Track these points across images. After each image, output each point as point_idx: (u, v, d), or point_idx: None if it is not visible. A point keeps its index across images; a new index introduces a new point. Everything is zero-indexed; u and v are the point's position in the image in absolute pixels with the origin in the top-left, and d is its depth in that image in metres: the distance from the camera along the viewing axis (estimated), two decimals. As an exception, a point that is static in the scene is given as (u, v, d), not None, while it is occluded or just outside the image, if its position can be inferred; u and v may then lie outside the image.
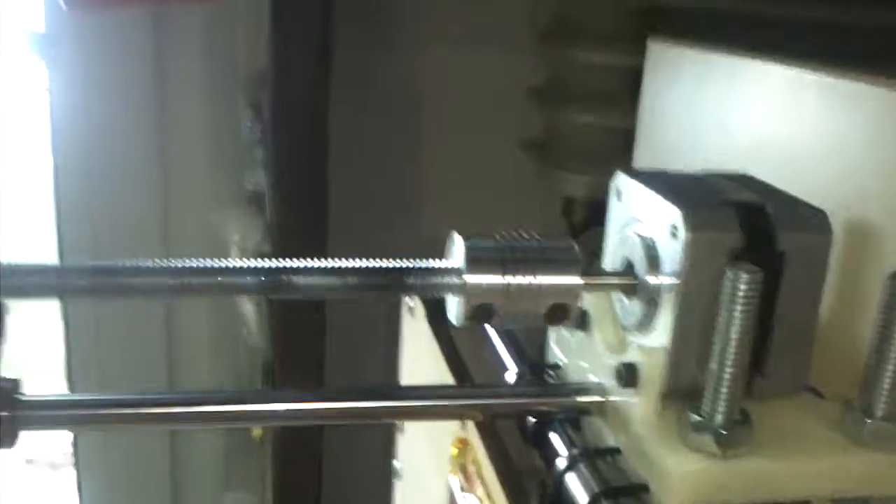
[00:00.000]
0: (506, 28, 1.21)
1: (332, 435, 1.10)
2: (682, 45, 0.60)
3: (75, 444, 1.44)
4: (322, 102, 0.95)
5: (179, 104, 1.24)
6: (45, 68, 1.12)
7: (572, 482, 0.39)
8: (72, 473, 2.09)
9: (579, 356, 0.44)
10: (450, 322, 0.39)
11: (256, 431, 1.20)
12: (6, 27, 1.06)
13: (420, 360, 0.57)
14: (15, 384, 0.33)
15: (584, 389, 0.41)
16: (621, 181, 0.42)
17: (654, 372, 0.37)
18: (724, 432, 0.35)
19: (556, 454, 0.40)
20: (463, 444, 0.45)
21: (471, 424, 0.45)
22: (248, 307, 1.12)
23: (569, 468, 0.39)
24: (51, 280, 0.32)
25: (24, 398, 0.33)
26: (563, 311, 0.38)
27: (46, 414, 0.33)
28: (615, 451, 0.39)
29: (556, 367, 0.46)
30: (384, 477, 0.68)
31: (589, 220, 1.13)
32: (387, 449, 0.69)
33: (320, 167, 0.97)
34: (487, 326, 0.54)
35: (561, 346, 0.46)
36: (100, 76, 1.20)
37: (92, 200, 1.24)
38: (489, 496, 0.42)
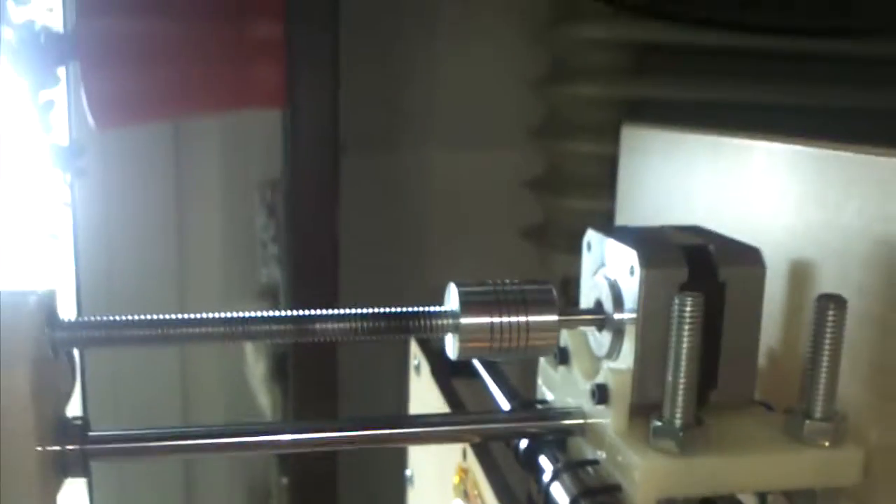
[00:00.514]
0: (502, 127, 1.31)
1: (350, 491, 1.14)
2: (652, 127, 0.69)
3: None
4: (332, 203, 1.04)
5: (197, 208, 1.33)
6: (68, 180, 1.20)
7: (556, 490, 0.45)
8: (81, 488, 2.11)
9: (562, 389, 0.51)
10: (449, 361, 0.46)
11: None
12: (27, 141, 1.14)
13: (426, 410, 0.64)
14: (86, 422, 0.40)
15: (568, 413, 0.48)
16: (591, 235, 0.49)
17: (622, 389, 0.44)
18: (682, 433, 0.41)
19: (544, 468, 0.47)
20: (464, 472, 0.51)
21: (471, 455, 0.52)
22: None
23: (553, 479, 0.45)
24: (115, 332, 0.39)
25: (93, 434, 0.39)
26: (545, 347, 0.45)
27: (113, 447, 0.40)
28: (594, 462, 0.45)
29: (543, 401, 0.53)
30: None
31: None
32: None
33: (331, 264, 1.05)
34: (483, 373, 0.61)
35: (547, 383, 0.53)
36: (121, 182, 1.29)
37: (112, 298, 1.32)
38: (487, 510, 0.48)
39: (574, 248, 1.22)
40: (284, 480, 1.08)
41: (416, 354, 0.65)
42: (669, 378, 0.42)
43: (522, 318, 0.44)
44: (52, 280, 1.42)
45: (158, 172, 1.31)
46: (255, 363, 1.18)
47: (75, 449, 0.38)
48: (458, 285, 0.45)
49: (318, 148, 1.02)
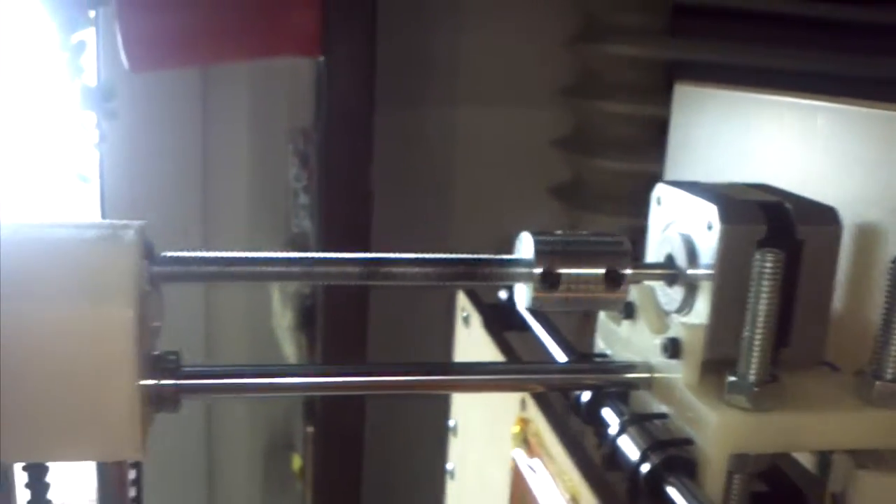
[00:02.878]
0: (531, 85, 1.30)
1: (378, 443, 1.15)
2: (706, 85, 0.68)
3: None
4: (367, 153, 1.03)
5: (223, 155, 1.33)
6: (97, 121, 1.19)
7: (625, 442, 0.45)
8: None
9: (624, 344, 0.51)
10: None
11: (296, 465, 1.26)
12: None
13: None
14: (178, 356, 0.40)
15: (632, 367, 0.48)
16: (661, 190, 0.49)
17: (695, 344, 0.44)
18: (757, 389, 0.42)
19: (609, 421, 0.47)
20: (524, 422, 0.52)
21: (531, 406, 0.52)
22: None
23: (622, 431, 0.46)
24: (213, 268, 0.39)
25: (186, 369, 0.40)
26: (615, 298, 0.45)
27: (206, 383, 0.40)
28: (661, 416, 0.46)
29: (602, 355, 0.53)
30: (434, 478, 0.75)
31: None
32: (436, 454, 0.75)
33: (365, 214, 1.05)
34: (537, 326, 0.61)
35: (607, 337, 0.53)
36: (147, 127, 1.29)
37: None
38: (552, 459, 0.48)
39: (604, 208, 1.22)
40: (310, 429, 1.09)
41: (464, 306, 0.65)
42: (746, 334, 0.42)
43: (596, 270, 0.44)
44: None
45: (185, 117, 1.31)
46: (281, 312, 1.18)
47: (169, 384, 0.39)
48: (532, 234, 0.45)
49: (354, 97, 1.01)
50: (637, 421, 0.46)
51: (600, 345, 0.54)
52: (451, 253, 0.43)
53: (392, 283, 0.43)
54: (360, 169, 1.02)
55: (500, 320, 0.62)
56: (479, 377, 0.48)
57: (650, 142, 1.20)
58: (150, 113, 1.28)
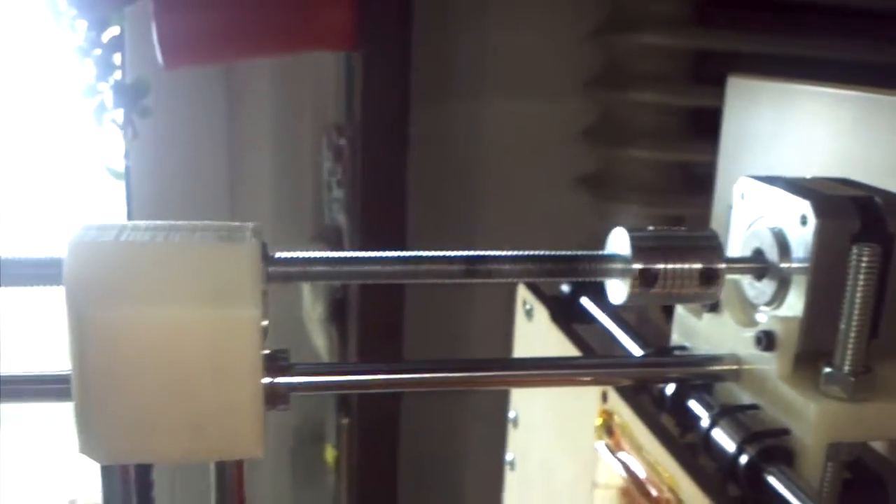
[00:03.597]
0: (556, 76, 1.30)
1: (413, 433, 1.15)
2: (761, 78, 0.69)
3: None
4: (403, 147, 1.04)
5: (249, 149, 1.33)
6: (127, 117, 1.19)
7: (719, 434, 0.46)
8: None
9: (706, 337, 0.51)
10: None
11: (330, 456, 1.26)
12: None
13: (539, 354, 0.65)
14: (287, 354, 0.40)
15: (718, 359, 0.49)
16: (746, 185, 0.50)
17: (790, 337, 0.45)
18: (853, 380, 0.42)
19: (698, 414, 0.48)
20: (607, 414, 0.53)
21: (613, 397, 0.53)
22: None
23: (714, 423, 0.47)
24: (327, 267, 0.39)
25: (298, 366, 0.40)
26: (710, 293, 0.45)
27: (316, 380, 0.41)
28: (753, 408, 0.47)
29: (681, 347, 0.54)
30: (492, 474, 0.75)
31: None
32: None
33: (400, 209, 1.05)
34: (607, 320, 0.62)
35: (685, 330, 0.54)
36: (174, 122, 1.29)
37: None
38: (643, 450, 0.49)
39: (633, 198, 1.23)
40: (345, 420, 1.10)
41: (526, 299, 0.66)
42: (842, 326, 0.43)
43: (691, 266, 0.45)
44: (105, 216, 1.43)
45: (211, 112, 1.31)
46: (312, 304, 1.19)
47: (282, 382, 0.39)
48: (628, 230, 0.45)
49: (390, 91, 1.02)
50: (729, 412, 0.47)
51: (676, 338, 0.54)
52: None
53: (492, 280, 0.43)
54: (396, 163, 1.03)
55: (566, 313, 0.63)
56: (564, 371, 0.48)
57: (679, 131, 1.21)
58: (176, 109, 1.28)
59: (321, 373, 0.41)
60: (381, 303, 1.05)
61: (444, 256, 0.43)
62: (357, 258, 0.40)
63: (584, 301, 0.64)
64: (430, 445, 1.29)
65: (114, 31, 1.10)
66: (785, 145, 0.67)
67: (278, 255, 0.39)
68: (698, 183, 1.21)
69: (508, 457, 0.72)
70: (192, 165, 1.31)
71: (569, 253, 0.45)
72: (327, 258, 0.40)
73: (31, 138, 1.50)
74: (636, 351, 0.57)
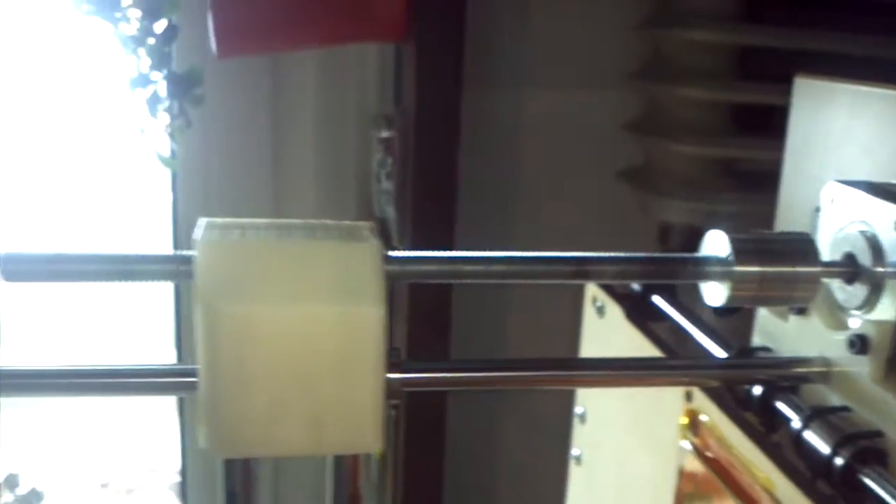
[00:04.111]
0: (600, 68, 1.30)
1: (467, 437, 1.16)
2: (831, 79, 0.69)
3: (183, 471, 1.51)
4: (454, 139, 1.04)
5: (293, 139, 1.33)
6: (182, 106, 1.19)
7: (811, 435, 0.47)
8: (145, 498, 2.15)
9: (792, 340, 0.52)
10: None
11: (376, 451, 1.27)
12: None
13: (610, 353, 0.65)
14: (399, 350, 0.41)
15: (807, 361, 0.49)
16: (835, 189, 0.50)
17: (884, 341, 0.45)
18: (949, 384, 0.43)
19: (788, 415, 0.49)
20: (693, 413, 0.53)
21: (699, 397, 0.53)
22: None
23: (806, 425, 0.47)
24: (444, 267, 0.40)
25: (410, 363, 0.41)
26: (806, 296, 0.46)
27: (426, 377, 0.41)
28: (844, 409, 0.47)
29: (764, 349, 0.54)
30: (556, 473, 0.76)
31: (685, 244, 1.21)
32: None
33: (450, 200, 1.06)
34: (682, 319, 0.62)
35: (767, 333, 0.54)
36: (220, 110, 1.29)
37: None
38: (734, 449, 0.50)
39: (676, 192, 1.23)
40: (393, 413, 1.11)
41: (597, 297, 0.66)
42: (941, 331, 0.43)
43: (791, 268, 0.45)
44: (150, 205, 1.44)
45: (257, 101, 1.31)
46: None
47: (397, 378, 0.40)
48: (727, 234, 0.46)
49: (443, 82, 1.02)
50: (820, 414, 0.47)
51: (757, 339, 0.55)
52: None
53: (596, 280, 0.44)
54: (448, 154, 1.04)
55: (640, 311, 0.64)
56: (654, 372, 0.49)
57: (723, 127, 1.21)
58: (222, 98, 1.28)
59: (430, 370, 0.42)
60: (429, 300, 1.06)
61: (555, 258, 0.43)
62: (471, 258, 0.41)
63: (656, 299, 0.64)
64: (474, 439, 1.30)
65: (165, 22, 1.10)
66: (853, 147, 0.68)
67: (393, 254, 0.40)
68: (741, 179, 1.22)
69: (574, 452, 0.73)
70: (238, 153, 1.32)
71: (669, 255, 0.46)
72: (442, 258, 0.40)
73: (77, 128, 1.51)
74: (714, 350, 0.57)
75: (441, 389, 0.43)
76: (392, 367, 0.40)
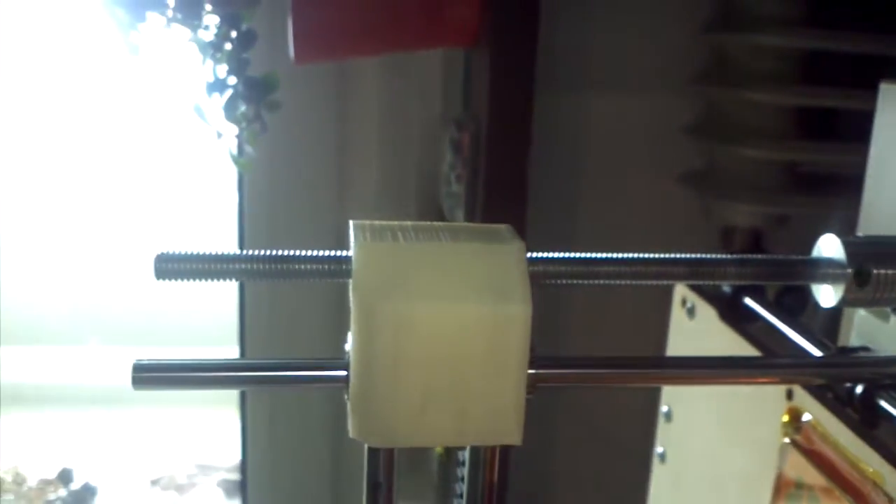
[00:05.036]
0: (659, 73, 1.32)
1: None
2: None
3: (244, 466, 1.54)
4: (526, 144, 1.06)
5: (359, 142, 1.36)
6: (258, 111, 1.21)
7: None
8: (196, 495, 2.18)
9: (891, 338, 0.54)
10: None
11: (438, 448, 1.29)
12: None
13: (701, 353, 0.67)
14: (535, 347, 0.43)
15: (911, 361, 0.51)
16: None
17: None
18: None
19: (891, 413, 0.50)
20: (794, 410, 0.55)
21: (801, 395, 0.55)
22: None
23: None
24: (579, 268, 0.42)
25: (541, 359, 0.43)
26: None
27: (558, 372, 0.43)
28: (953, 408, 0.49)
29: (864, 348, 0.56)
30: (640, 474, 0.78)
31: (748, 247, 1.22)
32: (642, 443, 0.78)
33: (521, 205, 1.08)
34: (776, 321, 0.64)
35: (866, 332, 0.56)
36: (288, 119, 1.32)
37: (273, 242, 1.36)
38: (840, 447, 0.51)
39: (739, 196, 1.24)
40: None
41: (687, 298, 0.68)
42: None
43: (900, 271, 0.47)
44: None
45: (322, 105, 1.34)
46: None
47: (531, 373, 0.42)
48: (838, 236, 0.48)
49: (516, 87, 1.04)
50: (926, 412, 0.49)
51: (855, 339, 0.57)
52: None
53: (719, 281, 0.46)
54: (519, 159, 1.05)
55: (734, 313, 0.65)
56: (758, 370, 0.50)
57: (786, 131, 1.22)
58: (290, 102, 1.31)
59: (562, 366, 0.44)
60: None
61: (670, 259, 0.45)
62: (604, 259, 0.43)
63: (748, 301, 0.66)
64: (536, 436, 1.32)
65: (243, 26, 1.12)
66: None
67: (534, 255, 0.42)
68: (804, 182, 1.23)
69: (658, 450, 0.74)
70: (304, 156, 1.34)
71: (783, 258, 0.48)
72: (581, 259, 0.42)
73: (152, 133, 1.55)
74: (812, 350, 0.59)
75: (573, 385, 0.45)
76: (530, 362, 0.43)
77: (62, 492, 2.13)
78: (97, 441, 2.30)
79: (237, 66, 1.10)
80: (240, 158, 1.16)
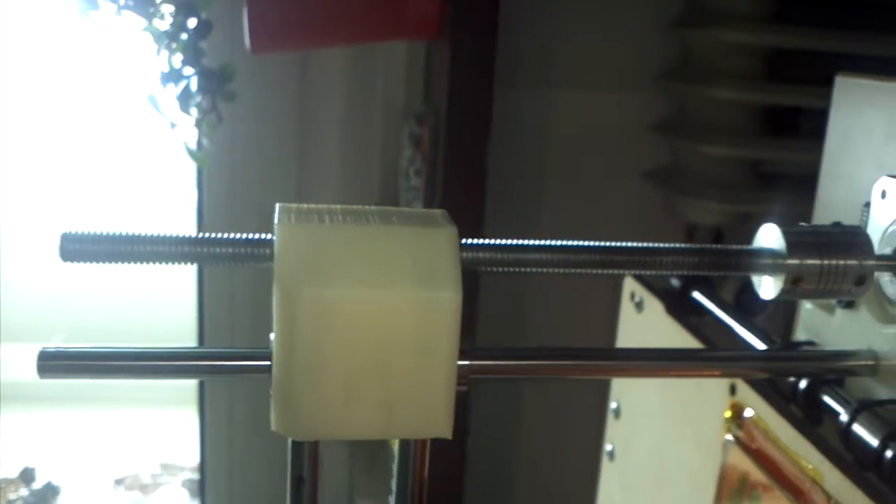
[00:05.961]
0: (628, 68, 1.31)
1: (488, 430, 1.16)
2: (875, 78, 0.69)
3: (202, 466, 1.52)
4: (485, 137, 1.05)
5: (319, 133, 1.34)
6: (214, 101, 1.20)
7: (859, 428, 0.47)
8: (161, 495, 2.16)
9: (837, 333, 0.53)
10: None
11: (394, 441, 1.28)
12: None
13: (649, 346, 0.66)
14: (469, 339, 0.42)
15: (853, 354, 0.50)
16: (886, 183, 0.51)
17: (935, 334, 0.46)
18: None
19: (835, 408, 0.49)
20: (736, 406, 0.54)
21: (744, 390, 0.54)
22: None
23: (854, 418, 0.48)
24: (516, 255, 0.41)
25: (475, 350, 0.42)
26: (860, 289, 0.47)
27: (492, 364, 0.42)
28: (892, 402, 0.48)
29: (809, 343, 0.55)
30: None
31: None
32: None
33: (479, 198, 1.07)
34: (723, 314, 0.63)
35: (813, 325, 0.55)
36: (247, 105, 1.30)
37: (234, 215, 1.34)
38: (780, 443, 0.50)
39: (705, 193, 1.24)
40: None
41: (636, 292, 0.67)
42: None
43: (844, 262, 0.46)
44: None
45: (283, 97, 1.32)
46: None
47: (465, 364, 0.41)
48: (779, 226, 0.47)
49: (476, 81, 1.03)
50: (868, 407, 0.48)
51: (801, 333, 0.56)
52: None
53: (653, 271, 0.45)
54: (478, 152, 1.04)
55: (680, 307, 0.64)
56: (698, 363, 0.49)
57: (751, 128, 1.22)
58: (249, 93, 1.29)
59: (497, 357, 0.43)
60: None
61: (610, 247, 0.44)
62: (545, 247, 0.42)
63: (696, 295, 0.65)
64: (494, 431, 1.31)
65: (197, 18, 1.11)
66: (894, 146, 0.68)
67: (467, 241, 0.41)
68: (768, 180, 1.23)
69: (608, 447, 0.74)
70: (263, 148, 1.33)
71: (722, 247, 0.47)
72: (516, 245, 0.41)
73: (106, 124, 1.52)
74: (757, 344, 0.58)
75: (508, 378, 0.44)
76: (462, 353, 0.41)
77: (23, 491, 2.10)
78: (60, 440, 2.27)
79: (193, 56, 1.08)
80: (197, 152, 1.14)
